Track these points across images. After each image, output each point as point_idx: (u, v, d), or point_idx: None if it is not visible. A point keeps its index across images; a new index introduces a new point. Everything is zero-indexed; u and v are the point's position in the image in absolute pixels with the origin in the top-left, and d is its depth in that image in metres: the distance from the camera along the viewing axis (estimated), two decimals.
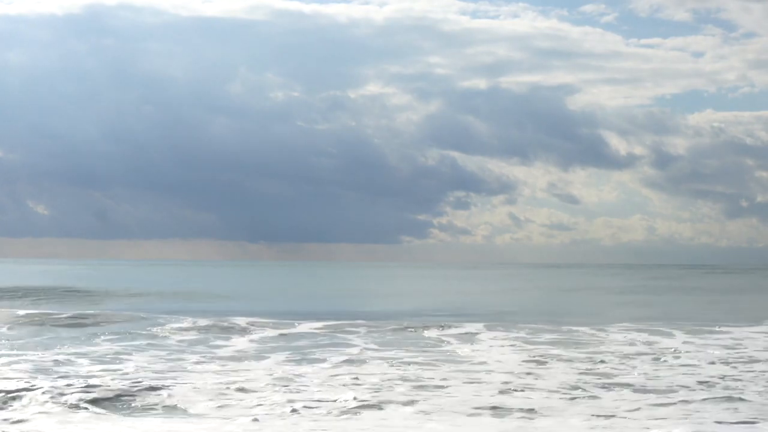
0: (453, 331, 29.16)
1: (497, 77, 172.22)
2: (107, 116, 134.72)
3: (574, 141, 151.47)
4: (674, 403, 15.20)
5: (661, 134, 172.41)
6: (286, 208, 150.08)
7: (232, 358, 21.46)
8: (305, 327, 29.86)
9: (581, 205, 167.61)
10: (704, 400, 15.57)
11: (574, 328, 29.95)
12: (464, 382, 17.48)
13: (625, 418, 14.03)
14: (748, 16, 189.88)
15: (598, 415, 14.22)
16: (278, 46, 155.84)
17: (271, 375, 18.27)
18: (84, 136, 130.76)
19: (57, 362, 20.05)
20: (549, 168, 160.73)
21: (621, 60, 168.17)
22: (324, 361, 20.86)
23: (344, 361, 20.77)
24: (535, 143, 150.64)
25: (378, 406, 14.80)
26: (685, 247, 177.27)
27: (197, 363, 20.32)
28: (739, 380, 17.91)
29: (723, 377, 18.29)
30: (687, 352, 23.29)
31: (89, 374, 17.95)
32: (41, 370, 18.50)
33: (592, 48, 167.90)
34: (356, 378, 17.79)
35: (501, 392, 16.31)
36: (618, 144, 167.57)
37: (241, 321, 31.25)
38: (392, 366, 19.85)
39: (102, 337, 26.09)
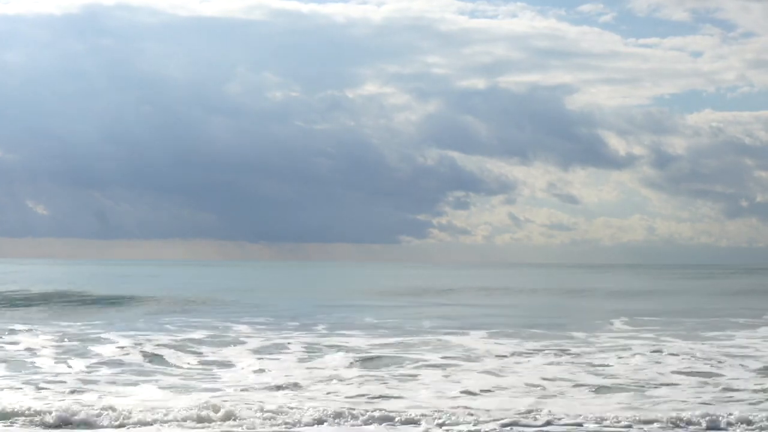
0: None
1: (496, 77, 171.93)
2: (106, 116, 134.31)
3: (573, 141, 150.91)
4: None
5: (660, 134, 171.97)
6: (286, 208, 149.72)
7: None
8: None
9: (581, 205, 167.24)
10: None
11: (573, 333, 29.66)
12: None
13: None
14: (747, 16, 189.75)
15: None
16: (276, 46, 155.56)
17: None
18: (83, 136, 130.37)
19: None
20: (548, 168, 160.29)
21: (619, 60, 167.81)
22: None
23: None
24: (534, 143, 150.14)
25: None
26: (685, 247, 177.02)
27: None
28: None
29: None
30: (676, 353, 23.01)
31: None
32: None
33: (590, 48, 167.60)
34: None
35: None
36: (617, 144, 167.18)
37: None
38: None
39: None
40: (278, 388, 16.62)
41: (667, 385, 17.16)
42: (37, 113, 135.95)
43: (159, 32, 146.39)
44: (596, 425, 13.31)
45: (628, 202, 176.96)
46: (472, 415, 13.81)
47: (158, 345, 23.43)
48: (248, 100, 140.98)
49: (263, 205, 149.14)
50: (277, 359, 20.88)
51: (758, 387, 16.86)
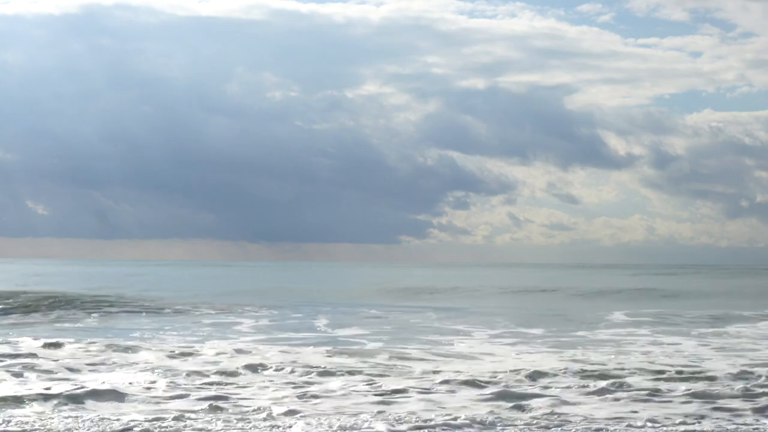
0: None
1: (495, 77, 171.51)
2: (105, 116, 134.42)
3: (573, 141, 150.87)
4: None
5: (659, 134, 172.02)
6: (286, 208, 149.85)
7: None
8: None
9: (581, 205, 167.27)
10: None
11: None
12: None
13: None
14: (746, 16, 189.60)
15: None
16: (275, 46, 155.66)
17: None
18: (82, 136, 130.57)
19: None
20: (548, 168, 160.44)
21: (619, 60, 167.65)
22: None
23: None
24: (534, 143, 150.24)
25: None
26: (685, 247, 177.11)
27: None
28: None
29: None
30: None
31: None
32: None
33: (590, 48, 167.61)
34: None
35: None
36: (617, 144, 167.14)
37: None
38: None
39: None
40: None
41: (656, 378, 17.28)
42: (37, 113, 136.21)
43: (158, 32, 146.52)
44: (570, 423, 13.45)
45: (628, 202, 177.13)
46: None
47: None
48: (248, 100, 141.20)
49: (263, 205, 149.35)
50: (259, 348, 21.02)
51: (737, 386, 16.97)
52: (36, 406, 13.98)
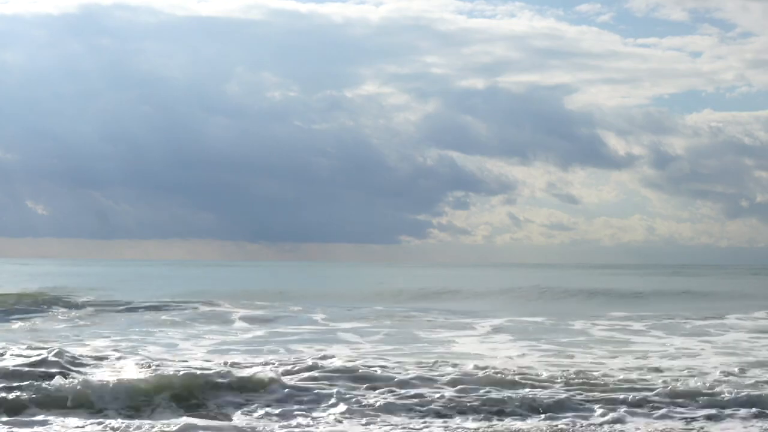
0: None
1: (495, 77, 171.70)
2: (105, 116, 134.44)
3: (572, 141, 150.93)
4: None
5: (659, 134, 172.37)
6: (286, 208, 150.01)
7: None
8: None
9: (581, 205, 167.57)
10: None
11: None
12: None
13: None
14: (746, 16, 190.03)
15: None
16: (275, 46, 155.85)
17: None
18: (82, 136, 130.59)
19: None
20: (548, 168, 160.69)
21: (618, 59, 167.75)
22: None
23: None
24: (534, 143, 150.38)
25: None
26: (685, 248, 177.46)
27: None
28: None
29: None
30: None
31: None
32: None
33: (589, 48, 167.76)
34: None
35: None
36: (617, 144, 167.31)
37: None
38: None
39: None
40: None
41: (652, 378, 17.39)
42: (37, 113, 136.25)
43: (157, 32, 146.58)
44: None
45: (628, 202, 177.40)
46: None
47: None
48: (247, 100, 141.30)
49: (263, 205, 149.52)
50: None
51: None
52: None
